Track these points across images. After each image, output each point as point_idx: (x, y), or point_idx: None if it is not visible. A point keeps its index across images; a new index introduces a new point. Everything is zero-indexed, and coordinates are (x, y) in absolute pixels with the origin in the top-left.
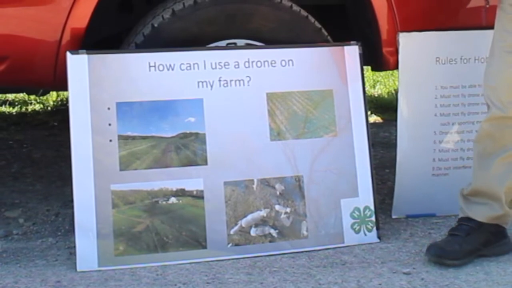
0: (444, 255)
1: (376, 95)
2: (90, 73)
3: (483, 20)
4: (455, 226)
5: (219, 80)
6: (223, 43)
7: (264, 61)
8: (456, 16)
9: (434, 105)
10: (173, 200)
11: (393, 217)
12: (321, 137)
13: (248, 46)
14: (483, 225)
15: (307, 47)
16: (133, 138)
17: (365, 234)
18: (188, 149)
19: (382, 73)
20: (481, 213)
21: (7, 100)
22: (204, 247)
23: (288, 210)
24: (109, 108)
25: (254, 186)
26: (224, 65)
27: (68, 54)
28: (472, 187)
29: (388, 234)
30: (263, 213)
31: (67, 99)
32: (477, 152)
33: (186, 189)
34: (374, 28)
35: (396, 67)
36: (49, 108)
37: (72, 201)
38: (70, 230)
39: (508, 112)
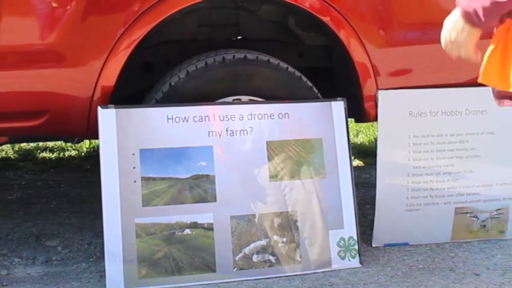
0: None
1: (359, 143)
2: (118, 124)
3: None
4: None
5: (226, 130)
6: (229, 99)
7: (264, 114)
8: (425, 76)
9: (407, 151)
10: (187, 231)
11: (373, 245)
12: (312, 178)
13: (251, 102)
14: None
15: (300, 103)
16: (154, 179)
17: (349, 260)
18: (200, 188)
19: (364, 124)
20: None
21: (48, 147)
22: (214, 271)
23: (284, 239)
24: (133, 154)
25: (256, 219)
26: (231, 117)
27: (99, 108)
28: None
29: (369, 260)
30: (263, 242)
31: (98, 146)
32: None
33: (198, 222)
34: (357, 87)
35: (375, 119)
36: (83, 154)
37: (102, 232)
38: (101, 256)
39: None
